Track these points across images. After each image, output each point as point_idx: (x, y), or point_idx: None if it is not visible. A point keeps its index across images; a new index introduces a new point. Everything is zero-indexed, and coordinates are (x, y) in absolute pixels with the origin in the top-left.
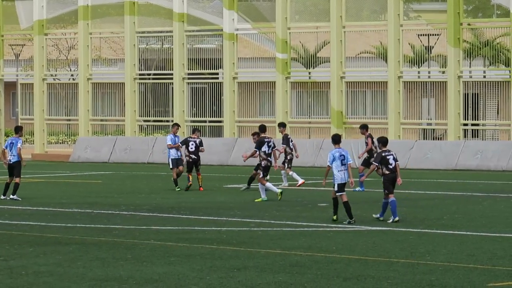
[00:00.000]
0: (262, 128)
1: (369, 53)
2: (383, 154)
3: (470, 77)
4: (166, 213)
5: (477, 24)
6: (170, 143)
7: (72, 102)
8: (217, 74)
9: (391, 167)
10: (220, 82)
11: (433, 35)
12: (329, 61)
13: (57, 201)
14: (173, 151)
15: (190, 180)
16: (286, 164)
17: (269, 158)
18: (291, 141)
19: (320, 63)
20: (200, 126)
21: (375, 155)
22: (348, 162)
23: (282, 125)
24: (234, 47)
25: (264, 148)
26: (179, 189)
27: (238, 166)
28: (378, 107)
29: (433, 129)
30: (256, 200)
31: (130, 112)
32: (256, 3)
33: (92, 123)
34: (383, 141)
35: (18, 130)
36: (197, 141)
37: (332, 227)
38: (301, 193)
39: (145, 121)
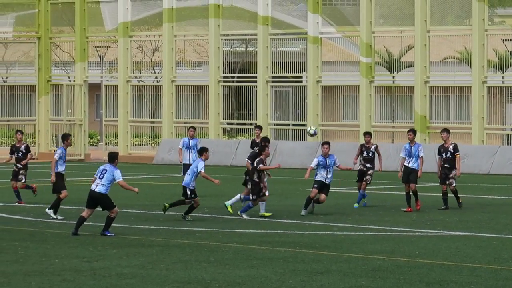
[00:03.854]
0: None
1: (453, 58)
2: None
3: None
4: (249, 216)
5: None
6: (180, 147)
7: (156, 104)
8: (301, 77)
9: None
10: (304, 86)
11: None
12: (413, 66)
13: (140, 203)
14: (185, 156)
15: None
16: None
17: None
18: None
19: (404, 68)
20: (284, 129)
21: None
22: None
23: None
24: (318, 50)
25: None
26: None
27: None
28: (462, 112)
29: None
30: None
31: (213, 115)
32: (340, 7)
33: (176, 126)
34: None
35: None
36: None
37: (415, 232)
38: (383, 197)
39: (228, 124)
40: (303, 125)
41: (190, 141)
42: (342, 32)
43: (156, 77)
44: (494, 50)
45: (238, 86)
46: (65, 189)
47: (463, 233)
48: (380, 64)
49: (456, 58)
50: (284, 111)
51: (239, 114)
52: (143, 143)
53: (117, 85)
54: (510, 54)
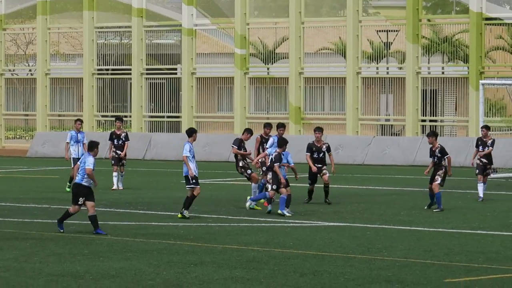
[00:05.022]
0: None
1: (328, 49)
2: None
3: (429, 73)
4: (124, 208)
5: (436, 21)
6: (68, 141)
7: (30, 97)
8: (176, 69)
9: None
10: (179, 78)
11: (392, 31)
12: (287, 57)
13: (14, 196)
14: (72, 150)
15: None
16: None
17: None
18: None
19: (278, 59)
20: (158, 121)
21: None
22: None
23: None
24: (193, 42)
25: None
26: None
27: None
28: (337, 103)
29: (391, 125)
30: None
31: (88, 107)
32: None
33: (50, 118)
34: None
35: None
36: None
37: (289, 223)
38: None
39: (103, 116)
40: (178, 117)
41: (78, 134)
42: (216, 24)
43: (30, 70)
44: (368, 41)
45: (113, 78)
46: None
47: (337, 224)
48: (255, 56)
49: (331, 49)
50: (159, 103)
51: (113, 107)
52: (17, 136)
53: None
54: (384, 45)
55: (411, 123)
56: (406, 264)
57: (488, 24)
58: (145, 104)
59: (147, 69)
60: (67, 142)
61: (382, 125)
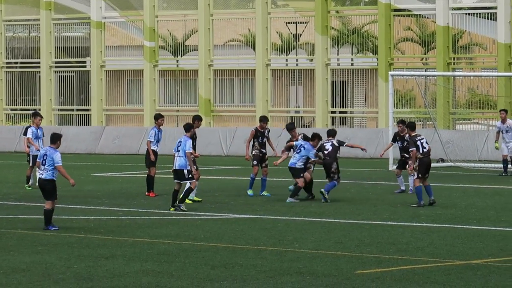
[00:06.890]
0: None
1: (237, 41)
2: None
3: (338, 64)
4: (33, 202)
5: (345, 12)
6: (30, 136)
7: None
8: (85, 62)
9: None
10: (88, 71)
11: (301, 23)
12: (197, 49)
13: None
14: (33, 147)
15: None
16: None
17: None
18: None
19: (188, 51)
20: (68, 114)
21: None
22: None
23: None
24: (102, 35)
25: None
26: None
27: (105, 154)
28: (246, 95)
29: (301, 117)
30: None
31: None
32: None
33: None
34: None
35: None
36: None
37: (200, 215)
38: (168, 181)
39: (12, 109)
40: (88, 110)
41: (38, 130)
42: (125, 16)
43: None
44: (278, 33)
45: (22, 71)
46: None
47: (248, 216)
48: (164, 48)
49: (240, 41)
50: (68, 96)
51: (22, 100)
52: None
53: None
54: (294, 36)
55: (321, 115)
56: (317, 255)
57: (396, 16)
58: (55, 97)
59: (56, 62)
60: (29, 138)
61: (292, 117)
